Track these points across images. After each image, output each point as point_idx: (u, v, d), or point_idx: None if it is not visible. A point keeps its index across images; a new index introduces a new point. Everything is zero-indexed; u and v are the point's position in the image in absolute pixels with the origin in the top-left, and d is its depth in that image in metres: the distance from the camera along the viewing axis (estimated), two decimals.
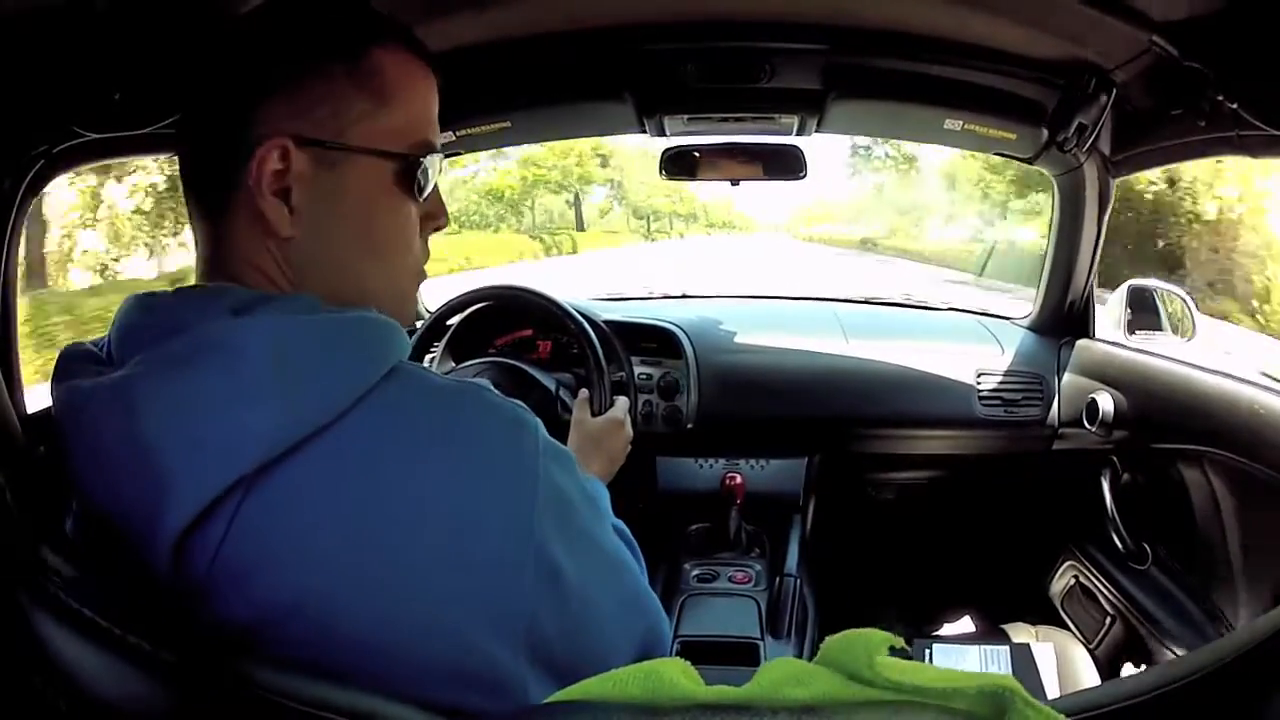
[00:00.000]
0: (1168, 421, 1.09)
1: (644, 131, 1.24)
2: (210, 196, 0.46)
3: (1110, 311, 1.30)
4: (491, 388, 0.44)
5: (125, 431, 0.37)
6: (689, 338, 1.37)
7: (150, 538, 0.36)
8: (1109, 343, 1.29)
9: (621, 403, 1.00)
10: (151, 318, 0.43)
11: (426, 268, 0.53)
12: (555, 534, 0.42)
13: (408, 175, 0.46)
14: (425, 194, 0.48)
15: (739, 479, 1.25)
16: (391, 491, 0.38)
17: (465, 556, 0.39)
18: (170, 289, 0.45)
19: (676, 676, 0.33)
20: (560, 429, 0.96)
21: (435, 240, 0.53)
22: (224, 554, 0.36)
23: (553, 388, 1.15)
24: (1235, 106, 0.73)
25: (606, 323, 1.33)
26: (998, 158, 1.37)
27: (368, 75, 0.44)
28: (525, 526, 0.41)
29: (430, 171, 0.48)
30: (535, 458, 0.42)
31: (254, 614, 0.37)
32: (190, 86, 0.46)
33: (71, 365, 0.43)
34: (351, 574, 0.37)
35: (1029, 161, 1.24)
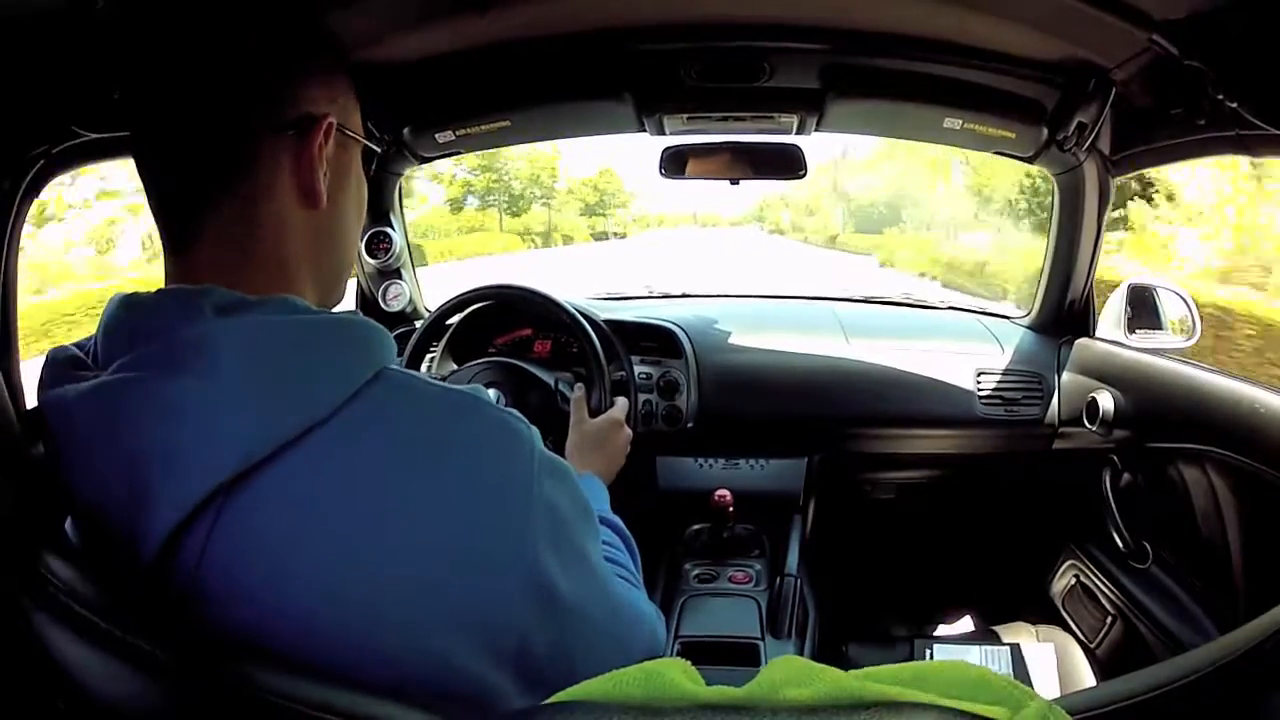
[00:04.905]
0: (1168, 420, 1.09)
1: (644, 131, 1.24)
2: (222, 183, 0.43)
3: (1110, 310, 1.30)
4: (488, 396, 0.44)
5: (107, 439, 0.37)
6: (689, 337, 1.37)
7: (135, 545, 0.36)
8: (1109, 341, 1.29)
9: (621, 403, 1.00)
10: (134, 318, 0.42)
11: None
12: (550, 552, 0.41)
13: (368, 161, 0.52)
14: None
15: (728, 495, 1.22)
16: (374, 505, 0.37)
17: (454, 579, 0.38)
18: (153, 289, 0.44)
19: (677, 677, 0.33)
20: (561, 423, 0.96)
21: None
22: (206, 563, 0.36)
23: (552, 385, 1.15)
24: (1235, 106, 0.72)
25: (606, 322, 1.33)
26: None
27: (346, 76, 0.50)
28: (518, 547, 0.40)
29: None
30: (530, 473, 0.41)
31: (236, 626, 0.36)
32: (205, 72, 0.43)
33: (56, 371, 0.42)
34: (330, 591, 0.36)
35: (1029, 161, 1.24)
